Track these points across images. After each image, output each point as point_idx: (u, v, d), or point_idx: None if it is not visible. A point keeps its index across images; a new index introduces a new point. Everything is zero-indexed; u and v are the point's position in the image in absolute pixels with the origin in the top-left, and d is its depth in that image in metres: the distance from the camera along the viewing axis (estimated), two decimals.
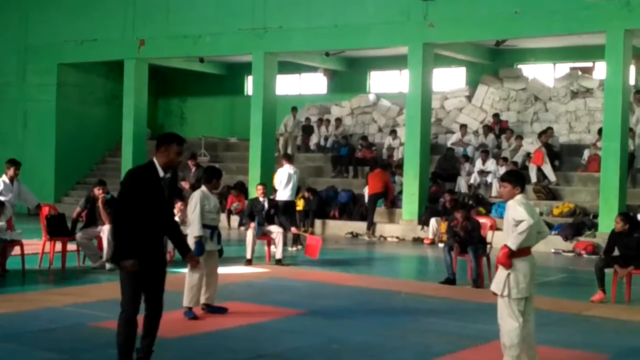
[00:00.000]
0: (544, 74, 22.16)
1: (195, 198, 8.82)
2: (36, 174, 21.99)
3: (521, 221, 6.33)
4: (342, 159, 21.33)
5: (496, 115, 20.88)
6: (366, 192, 18.66)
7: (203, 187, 8.96)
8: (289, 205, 15.54)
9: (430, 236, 17.24)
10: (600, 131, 18.05)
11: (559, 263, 14.80)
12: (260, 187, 14.00)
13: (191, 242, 8.83)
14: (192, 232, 8.68)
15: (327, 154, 22.18)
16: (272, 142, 20.80)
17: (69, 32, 22.94)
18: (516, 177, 6.66)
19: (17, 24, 24.22)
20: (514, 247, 6.37)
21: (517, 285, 6.37)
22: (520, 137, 19.64)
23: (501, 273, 6.43)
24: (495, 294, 6.52)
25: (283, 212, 14.54)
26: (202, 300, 8.83)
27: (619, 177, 15.98)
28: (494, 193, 18.29)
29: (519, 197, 6.51)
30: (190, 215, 8.85)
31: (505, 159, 18.61)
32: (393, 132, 21.28)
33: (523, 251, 6.42)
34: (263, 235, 13.50)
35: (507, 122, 20.77)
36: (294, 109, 23.20)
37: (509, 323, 6.39)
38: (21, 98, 24.22)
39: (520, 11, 16.86)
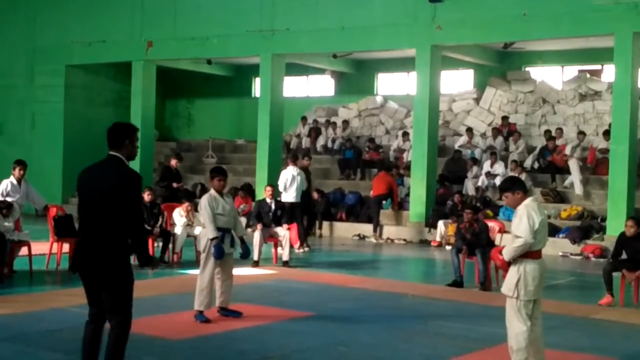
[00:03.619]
0: (552, 76, 22.10)
1: (202, 201, 8.79)
2: (44, 175, 22.03)
3: (519, 237, 6.31)
4: (348, 161, 21.31)
5: (505, 118, 20.82)
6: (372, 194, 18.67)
7: (212, 189, 8.94)
8: (294, 207, 15.52)
9: (438, 238, 17.21)
10: (606, 133, 17.99)
11: (567, 266, 14.75)
12: (269, 188, 14.02)
13: (203, 243, 8.82)
14: (207, 234, 8.63)
15: (334, 156, 22.17)
16: (279, 143, 20.80)
17: (77, 33, 22.98)
18: (512, 183, 6.59)
19: (25, 26, 24.29)
20: (507, 258, 6.42)
21: (526, 287, 6.34)
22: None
23: (512, 275, 6.41)
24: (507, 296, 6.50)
25: (288, 214, 14.54)
26: (217, 303, 8.79)
27: (628, 179, 15.91)
28: None
29: (528, 201, 6.43)
30: (202, 220, 8.81)
31: (515, 162, 18.54)
32: (406, 134, 21.00)
33: (533, 253, 6.39)
34: (270, 236, 13.49)
35: (515, 124, 20.72)
36: (304, 119, 23.43)
37: (516, 326, 6.37)
38: (29, 99, 24.28)
39: (528, 13, 16.81)
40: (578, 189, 17.70)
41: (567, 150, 18.49)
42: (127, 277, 5.52)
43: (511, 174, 18.12)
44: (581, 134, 19.07)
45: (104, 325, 5.64)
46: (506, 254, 6.41)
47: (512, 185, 6.52)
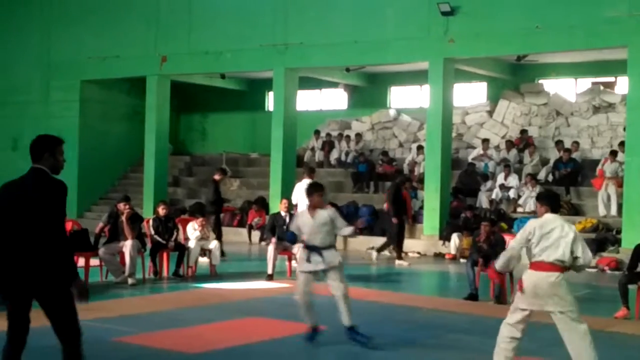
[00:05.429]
0: (565, 89, 22.07)
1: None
2: None
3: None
4: (361, 175, 21.32)
5: (524, 132, 20.75)
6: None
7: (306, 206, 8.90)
8: None
9: (452, 251, 17.17)
10: (620, 144, 17.87)
11: (582, 279, 14.61)
12: (284, 201, 14.05)
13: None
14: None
15: (347, 169, 22.20)
16: (292, 157, 20.83)
17: (91, 49, 23.16)
18: (544, 196, 6.90)
19: (40, 41, 24.51)
20: (497, 267, 6.82)
21: (516, 294, 6.60)
22: (614, 153, 18.00)
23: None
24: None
25: None
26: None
27: None
28: (519, 209, 18.23)
29: (546, 216, 6.58)
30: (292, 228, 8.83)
31: (530, 175, 18.46)
32: (420, 148, 20.75)
33: (531, 264, 6.55)
34: (284, 250, 13.51)
35: (531, 137, 20.66)
36: (317, 133, 23.54)
37: (503, 322, 6.62)
38: (45, 115, 24.42)
39: (541, 26, 16.82)
40: (614, 211, 17.21)
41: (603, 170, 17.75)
42: (69, 292, 5.31)
43: (525, 186, 18.14)
44: (612, 154, 18.05)
45: (23, 347, 5.53)
46: (497, 264, 6.82)
47: (542, 197, 6.85)
